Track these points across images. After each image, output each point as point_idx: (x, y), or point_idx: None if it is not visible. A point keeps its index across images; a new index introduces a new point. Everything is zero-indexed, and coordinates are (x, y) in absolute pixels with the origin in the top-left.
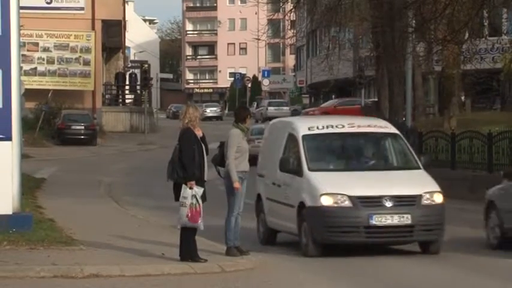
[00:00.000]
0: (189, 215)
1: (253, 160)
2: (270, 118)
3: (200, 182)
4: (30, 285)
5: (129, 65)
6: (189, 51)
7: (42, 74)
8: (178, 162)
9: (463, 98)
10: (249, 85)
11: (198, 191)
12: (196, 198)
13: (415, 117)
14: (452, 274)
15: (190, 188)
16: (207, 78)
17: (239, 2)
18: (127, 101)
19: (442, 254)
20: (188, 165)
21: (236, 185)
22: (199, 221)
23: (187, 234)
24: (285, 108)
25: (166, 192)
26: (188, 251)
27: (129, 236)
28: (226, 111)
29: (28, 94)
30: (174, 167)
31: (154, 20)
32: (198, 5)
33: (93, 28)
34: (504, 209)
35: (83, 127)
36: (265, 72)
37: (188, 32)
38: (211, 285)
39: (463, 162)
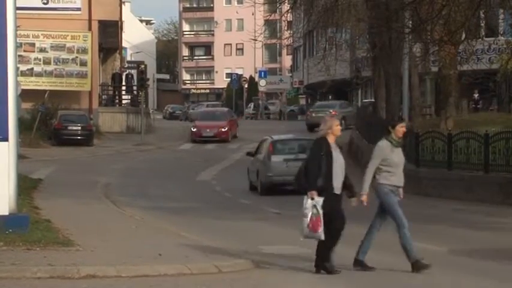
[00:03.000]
0: (310, 225)
1: (310, 127)
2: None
3: (324, 193)
4: (26, 285)
5: (125, 66)
6: (185, 51)
7: (39, 75)
8: (304, 170)
9: (476, 95)
10: (246, 86)
11: (319, 200)
12: (317, 208)
13: (411, 117)
14: (451, 276)
15: (312, 199)
16: (203, 78)
17: (236, 2)
18: (123, 101)
19: (440, 255)
20: (311, 174)
21: (363, 198)
22: (320, 231)
23: (324, 245)
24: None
25: (163, 192)
26: (321, 262)
27: (125, 237)
28: None
29: (25, 95)
30: (300, 174)
31: (151, 20)
32: (194, 5)
33: (89, 29)
34: (249, 170)
35: (79, 128)
36: (262, 73)
37: (185, 33)
38: (208, 286)
39: (459, 162)
